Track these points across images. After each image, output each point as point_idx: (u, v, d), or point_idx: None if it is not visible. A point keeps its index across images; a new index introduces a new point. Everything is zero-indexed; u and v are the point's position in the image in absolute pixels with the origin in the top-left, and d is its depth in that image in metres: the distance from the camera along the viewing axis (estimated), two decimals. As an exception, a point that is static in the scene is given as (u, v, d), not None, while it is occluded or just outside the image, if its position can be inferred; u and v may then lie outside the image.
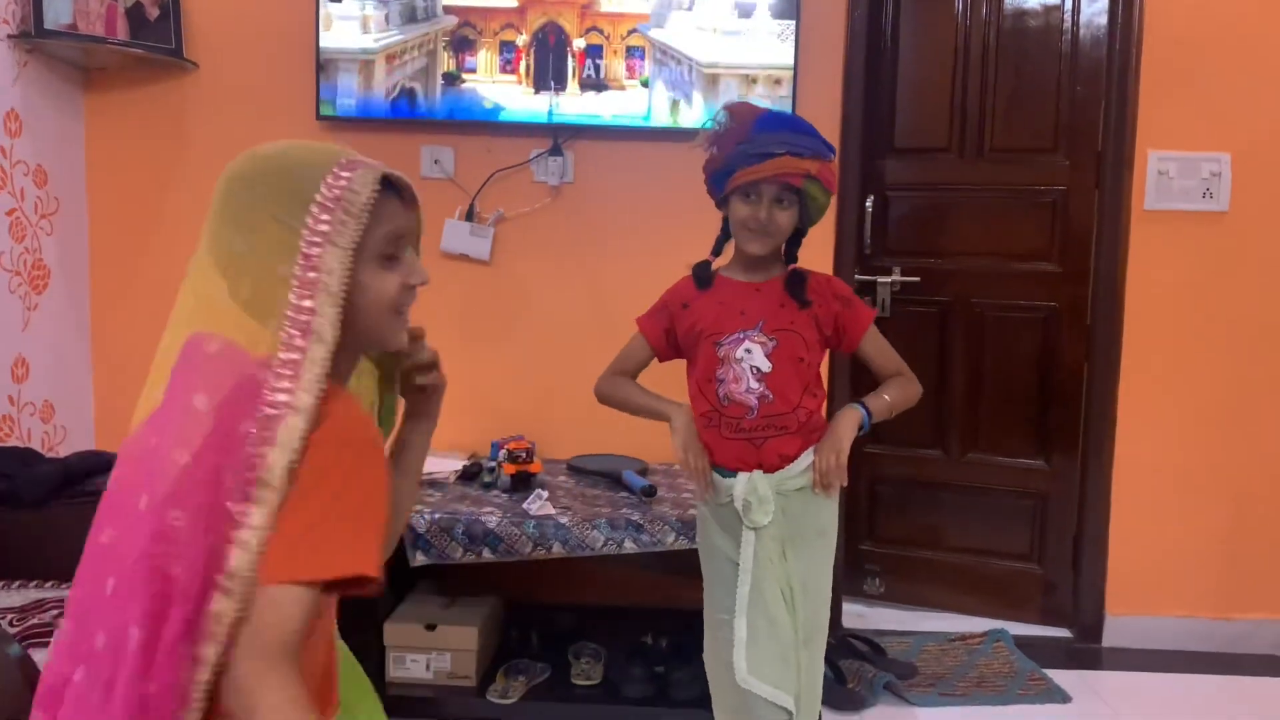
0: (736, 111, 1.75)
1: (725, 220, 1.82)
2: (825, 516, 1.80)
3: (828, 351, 1.86)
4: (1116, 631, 2.93)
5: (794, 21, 2.72)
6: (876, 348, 1.84)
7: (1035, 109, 2.96)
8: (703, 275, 1.83)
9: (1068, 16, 2.92)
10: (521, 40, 2.73)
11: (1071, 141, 2.95)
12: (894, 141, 3.08)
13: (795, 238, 1.81)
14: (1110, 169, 2.87)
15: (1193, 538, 2.91)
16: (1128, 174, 2.84)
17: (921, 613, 3.09)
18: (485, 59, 2.74)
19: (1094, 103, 2.91)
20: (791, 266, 1.81)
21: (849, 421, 1.75)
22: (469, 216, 2.82)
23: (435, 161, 2.83)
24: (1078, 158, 2.94)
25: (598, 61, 2.74)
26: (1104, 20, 2.88)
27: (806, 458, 1.75)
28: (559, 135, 2.80)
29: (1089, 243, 2.93)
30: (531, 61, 2.73)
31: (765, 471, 1.74)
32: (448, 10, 2.72)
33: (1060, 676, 2.69)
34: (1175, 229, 2.85)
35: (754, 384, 1.73)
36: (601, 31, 2.74)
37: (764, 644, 1.72)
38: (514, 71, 2.74)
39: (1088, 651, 2.90)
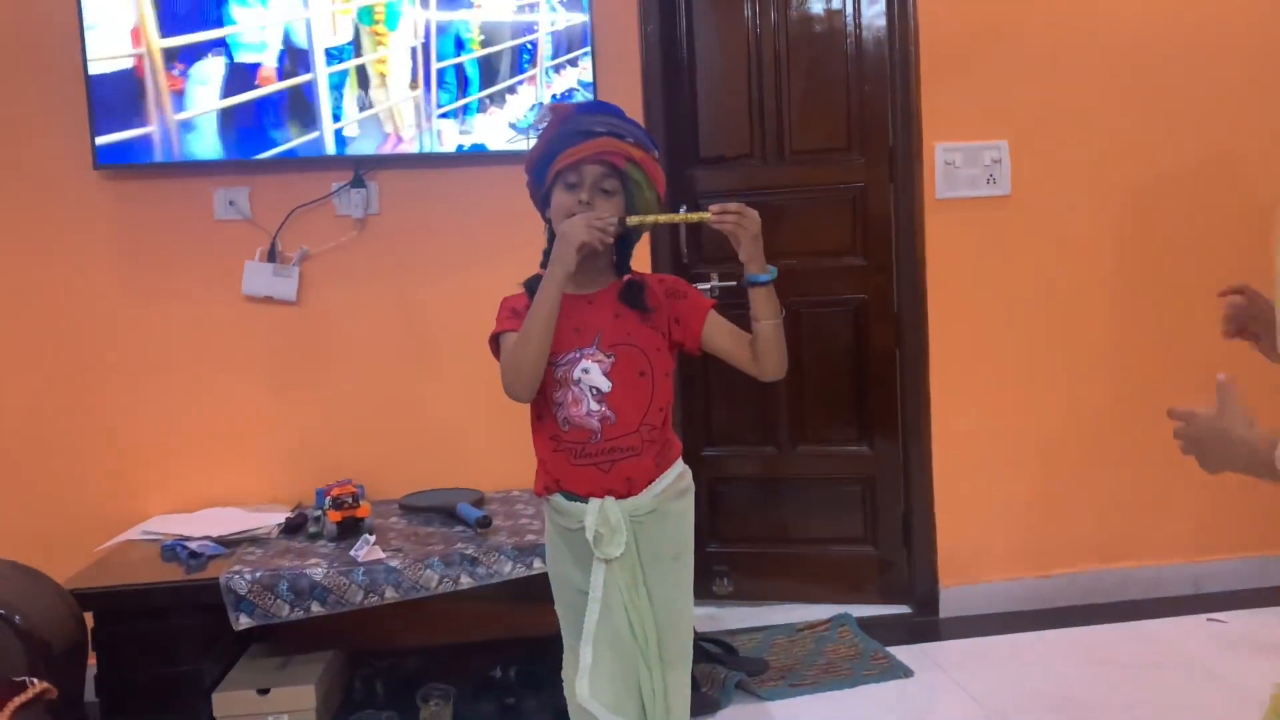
0: (560, 106, 1.70)
1: (549, 230, 1.71)
2: (680, 539, 1.74)
3: (676, 360, 1.75)
4: (951, 602, 3.08)
5: (587, 40, 2.75)
6: (725, 331, 1.69)
7: (828, 110, 3.09)
8: (536, 288, 1.68)
9: (849, 19, 3.06)
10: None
11: (864, 139, 3.08)
12: (699, 151, 3.14)
13: (625, 246, 1.73)
14: (901, 163, 3.02)
15: (1010, 502, 3.09)
16: (918, 166, 2.99)
17: (770, 606, 3.16)
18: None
19: (881, 101, 3.06)
20: (626, 277, 1.72)
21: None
22: (271, 257, 2.71)
23: (230, 203, 2.70)
24: (871, 154, 3.08)
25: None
26: (883, 22, 3.03)
27: (660, 483, 1.69)
28: (359, 167, 2.72)
29: (889, 235, 3.08)
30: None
31: (616, 497, 1.65)
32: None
33: (902, 652, 2.80)
34: (965, 215, 3.02)
35: (594, 405, 1.63)
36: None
37: (607, 670, 1.67)
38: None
39: (926, 624, 3.04)
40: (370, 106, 2.69)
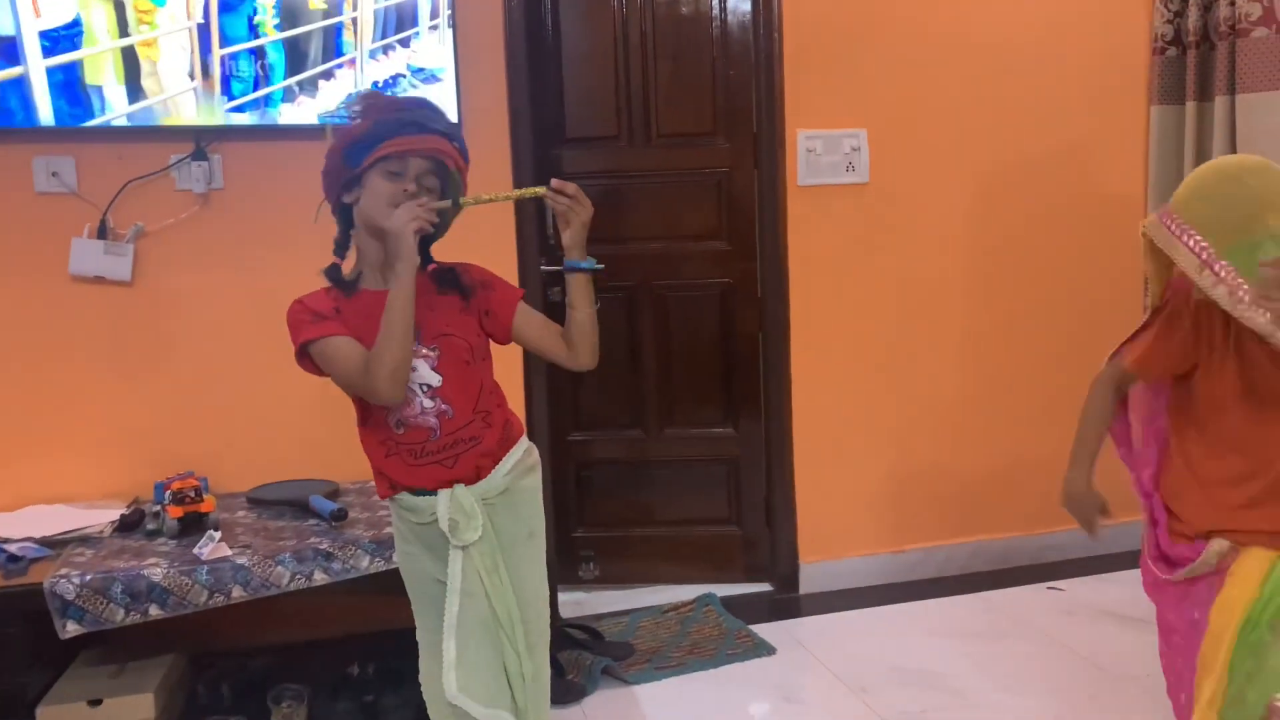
0: (371, 96, 1.63)
1: (344, 216, 1.63)
2: (533, 516, 1.72)
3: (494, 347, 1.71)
4: (810, 578, 3.15)
5: (450, 15, 2.65)
6: (536, 323, 1.69)
7: (694, 94, 3.08)
8: (346, 280, 1.62)
9: (715, 4, 3.06)
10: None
11: (730, 124, 3.10)
12: (566, 131, 3.09)
13: (427, 239, 1.66)
14: (765, 149, 3.05)
15: (866, 481, 3.19)
16: (780, 153, 3.03)
17: (636, 590, 3.16)
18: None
19: (746, 87, 3.07)
20: (431, 266, 1.68)
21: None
22: (101, 233, 2.51)
23: (53, 174, 2.48)
24: (736, 140, 3.10)
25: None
26: (747, 7, 3.04)
27: (508, 461, 1.66)
28: (201, 139, 2.55)
29: (753, 220, 3.11)
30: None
31: (466, 485, 1.62)
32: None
33: (765, 630, 2.85)
34: (825, 201, 3.08)
35: (428, 402, 1.59)
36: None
37: (474, 662, 1.63)
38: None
39: (787, 602, 3.11)
40: (142, 97, 2.43)
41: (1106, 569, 3.20)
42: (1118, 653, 2.61)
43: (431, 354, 1.60)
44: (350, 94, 1.60)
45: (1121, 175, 3.29)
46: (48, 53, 2.36)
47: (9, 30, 2.32)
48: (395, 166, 1.56)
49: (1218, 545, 1.59)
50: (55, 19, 2.35)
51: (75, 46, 2.38)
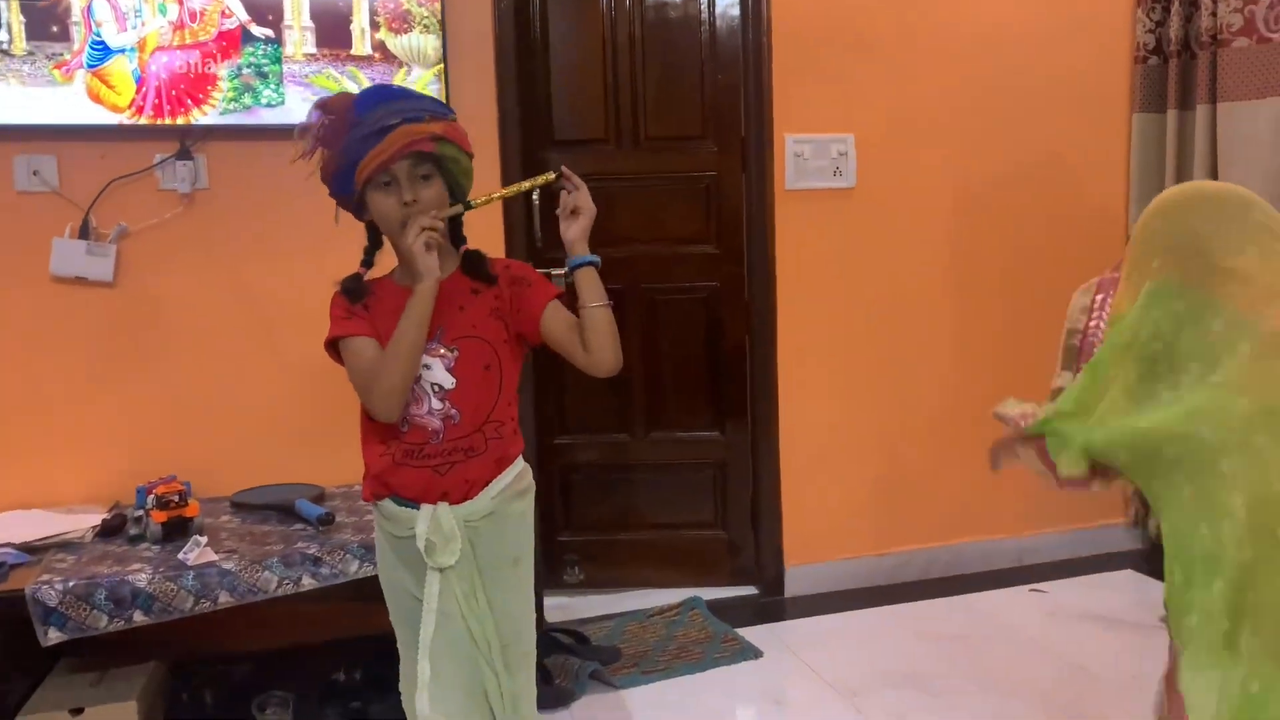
0: (332, 104, 1.56)
1: (369, 226, 1.62)
2: (520, 542, 1.67)
3: (524, 351, 1.67)
4: (796, 581, 3.16)
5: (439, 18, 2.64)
6: (564, 321, 1.59)
7: (683, 98, 3.08)
8: (356, 288, 1.60)
9: (704, 7, 3.05)
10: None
11: (718, 128, 3.10)
12: (554, 134, 3.07)
13: (455, 220, 1.62)
14: (753, 153, 3.05)
15: (852, 484, 3.20)
16: (769, 157, 3.03)
17: (622, 593, 3.15)
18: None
19: (734, 91, 3.07)
20: (464, 249, 1.64)
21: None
22: (83, 234, 2.47)
23: (34, 173, 2.44)
24: (725, 143, 3.10)
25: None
26: (736, 11, 3.04)
27: (498, 484, 1.61)
28: (186, 138, 2.51)
29: (741, 224, 3.11)
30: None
31: (451, 503, 1.57)
32: None
33: (751, 633, 2.85)
34: (813, 206, 3.09)
35: (436, 404, 1.55)
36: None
37: (450, 683, 1.59)
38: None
39: (773, 605, 3.11)
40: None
41: (1088, 571, 3.24)
42: (1100, 654, 2.63)
43: (450, 355, 1.57)
44: (311, 111, 1.56)
45: (1105, 181, 3.32)
46: None
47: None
48: (384, 178, 1.52)
49: None
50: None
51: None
